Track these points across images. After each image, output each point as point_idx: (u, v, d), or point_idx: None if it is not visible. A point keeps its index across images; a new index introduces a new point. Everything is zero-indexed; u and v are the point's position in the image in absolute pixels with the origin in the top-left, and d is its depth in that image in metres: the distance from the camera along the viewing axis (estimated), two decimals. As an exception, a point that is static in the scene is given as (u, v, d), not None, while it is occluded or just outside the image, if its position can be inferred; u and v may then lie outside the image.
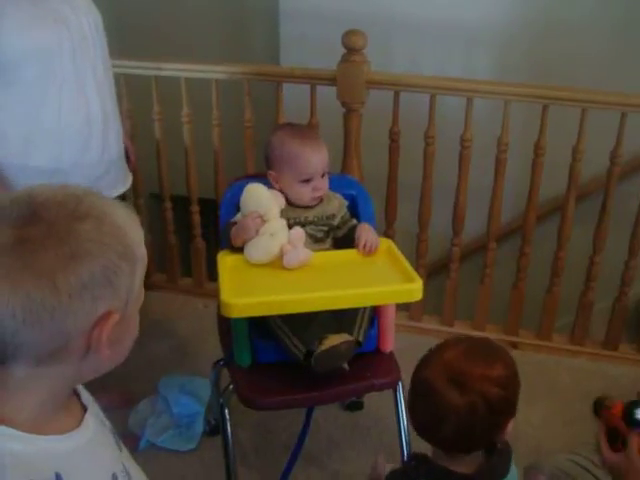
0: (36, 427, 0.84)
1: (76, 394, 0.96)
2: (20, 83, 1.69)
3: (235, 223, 1.77)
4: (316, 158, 1.78)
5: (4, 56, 1.65)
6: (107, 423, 1.02)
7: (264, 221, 1.72)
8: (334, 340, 1.59)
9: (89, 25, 1.79)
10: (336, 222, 1.85)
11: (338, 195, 1.89)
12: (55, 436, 0.86)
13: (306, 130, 1.92)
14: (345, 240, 1.83)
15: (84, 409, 0.95)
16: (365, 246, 1.76)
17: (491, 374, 1.18)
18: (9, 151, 1.75)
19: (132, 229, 0.85)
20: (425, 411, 1.21)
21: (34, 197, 0.80)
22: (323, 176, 1.80)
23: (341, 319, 1.68)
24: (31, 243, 0.76)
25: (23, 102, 1.71)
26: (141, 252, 0.86)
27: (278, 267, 1.70)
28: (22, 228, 0.77)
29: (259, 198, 1.74)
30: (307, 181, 1.78)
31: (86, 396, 0.98)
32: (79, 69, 1.76)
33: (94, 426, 0.94)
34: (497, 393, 1.17)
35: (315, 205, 1.84)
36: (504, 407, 1.20)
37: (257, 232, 1.71)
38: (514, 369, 1.23)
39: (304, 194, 1.79)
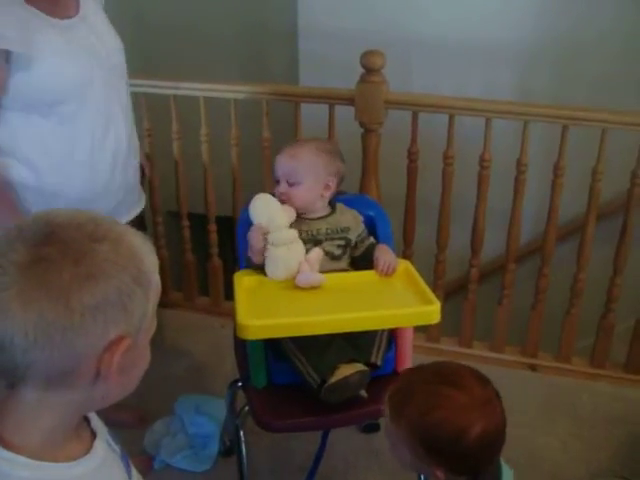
0: (45, 454, 0.84)
1: (86, 420, 0.95)
2: (56, 118, 1.68)
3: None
4: (281, 163, 1.81)
5: (39, 96, 1.64)
6: (117, 449, 1.01)
7: (266, 231, 1.72)
8: (346, 371, 1.58)
9: (113, 51, 1.79)
10: (352, 237, 1.84)
11: (353, 210, 1.89)
12: (64, 463, 0.86)
13: (304, 140, 1.91)
14: (363, 259, 1.83)
15: (94, 435, 0.94)
16: (384, 268, 1.75)
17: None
18: (43, 181, 1.73)
19: (148, 256, 0.85)
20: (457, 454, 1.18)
21: (52, 218, 0.81)
22: (292, 185, 1.79)
23: (358, 342, 1.66)
24: (46, 262, 0.76)
25: (57, 136, 1.71)
26: (156, 280, 0.86)
27: (295, 288, 1.69)
28: (38, 247, 0.77)
29: (262, 207, 1.76)
30: (277, 182, 1.82)
31: (96, 422, 0.97)
32: (108, 99, 1.77)
33: (103, 452, 0.93)
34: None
35: (326, 215, 1.84)
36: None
37: (264, 240, 1.72)
38: None
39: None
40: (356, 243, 1.85)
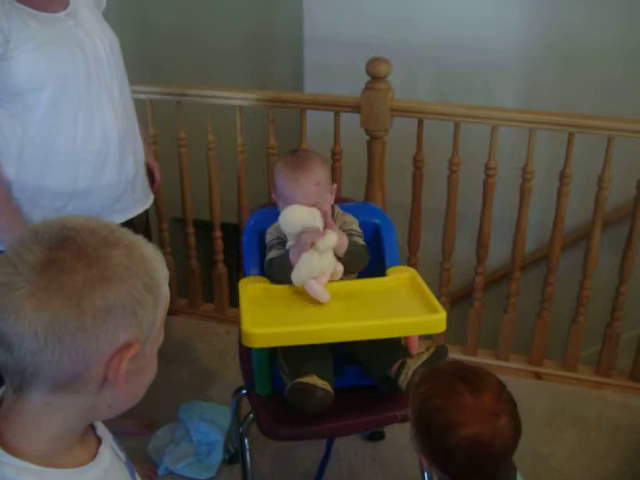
0: (50, 460, 0.84)
1: (91, 426, 0.95)
2: (37, 107, 1.70)
3: (274, 259, 1.77)
4: (306, 190, 1.73)
5: (21, 86, 1.66)
6: (122, 456, 1.01)
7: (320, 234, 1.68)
8: (315, 381, 1.57)
9: (103, 46, 1.80)
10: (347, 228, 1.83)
11: (347, 217, 1.87)
12: (69, 469, 0.86)
13: (299, 163, 1.78)
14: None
15: (99, 442, 0.94)
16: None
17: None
18: (27, 173, 1.75)
19: (159, 266, 0.86)
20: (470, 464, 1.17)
21: (67, 223, 0.82)
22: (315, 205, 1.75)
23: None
24: (60, 264, 0.77)
25: (40, 126, 1.72)
26: (166, 291, 0.86)
27: (300, 297, 1.69)
28: (53, 250, 0.78)
29: (308, 214, 1.71)
30: None
31: (101, 428, 0.97)
32: (94, 90, 1.77)
33: (109, 459, 0.93)
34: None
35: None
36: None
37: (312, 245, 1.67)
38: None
39: None
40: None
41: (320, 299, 1.66)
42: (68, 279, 0.76)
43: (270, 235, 1.83)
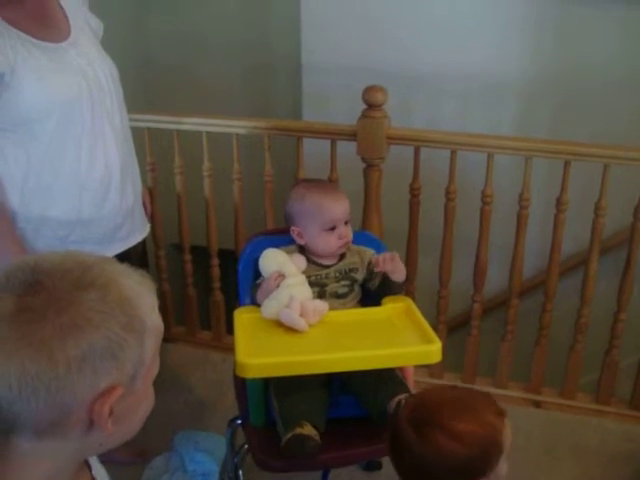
0: None
1: (88, 467, 0.94)
2: (42, 136, 1.70)
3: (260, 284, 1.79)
4: (337, 205, 1.79)
5: (26, 115, 1.67)
6: None
7: (284, 277, 1.73)
8: (305, 431, 1.56)
9: (105, 76, 1.81)
10: (359, 277, 1.83)
11: (362, 248, 1.88)
12: None
13: (324, 182, 1.93)
14: (382, 289, 1.83)
15: None
16: (380, 261, 1.76)
17: (454, 427, 1.15)
18: (31, 202, 1.75)
19: (142, 298, 0.83)
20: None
21: (40, 264, 0.80)
22: (346, 224, 1.82)
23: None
24: (31, 312, 0.75)
25: (44, 154, 1.72)
26: (152, 321, 0.84)
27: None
28: (23, 297, 0.76)
29: (277, 258, 1.76)
30: (332, 229, 1.78)
31: (97, 469, 0.96)
32: (97, 119, 1.78)
33: None
34: (453, 448, 1.14)
35: (336, 262, 1.83)
36: (461, 465, 1.15)
37: (278, 287, 1.73)
38: (490, 431, 1.18)
39: (331, 243, 1.79)
40: (366, 280, 1.85)
41: (297, 327, 1.66)
42: (37, 329, 0.75)
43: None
